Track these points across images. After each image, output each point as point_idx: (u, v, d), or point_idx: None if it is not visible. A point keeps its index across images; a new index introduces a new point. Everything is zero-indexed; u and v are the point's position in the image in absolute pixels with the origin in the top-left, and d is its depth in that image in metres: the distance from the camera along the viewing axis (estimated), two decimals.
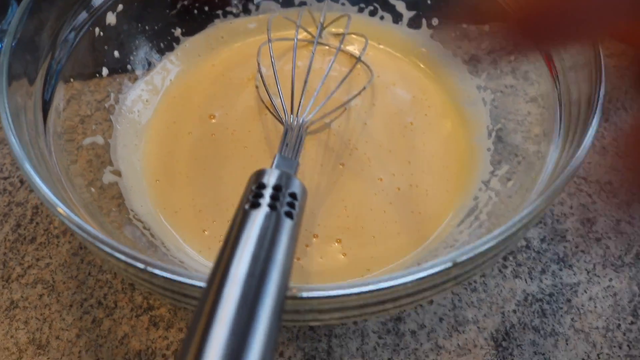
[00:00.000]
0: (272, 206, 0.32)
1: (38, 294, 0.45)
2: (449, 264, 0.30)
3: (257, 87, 0.53)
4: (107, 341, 0.43)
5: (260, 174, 0.35)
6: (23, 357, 0.42)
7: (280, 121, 0.47)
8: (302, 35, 0.57)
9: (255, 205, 0.32)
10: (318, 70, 0.54)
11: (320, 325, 0.43)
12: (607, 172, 0.51)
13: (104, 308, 0.44)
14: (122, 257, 0.30)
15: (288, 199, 0.33)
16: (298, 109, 0.46)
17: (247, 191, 0.34)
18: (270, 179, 0.34)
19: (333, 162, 0.48)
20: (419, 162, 0.48)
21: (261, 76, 0.52)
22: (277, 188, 0.34)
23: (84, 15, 0.46)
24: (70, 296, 0.45)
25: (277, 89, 0.48)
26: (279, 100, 0.48)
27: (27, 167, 0.33)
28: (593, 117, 0.35)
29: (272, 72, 0.50)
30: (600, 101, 0.36)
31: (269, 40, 0.51)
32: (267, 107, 0.51)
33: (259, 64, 0.53)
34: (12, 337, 0.43)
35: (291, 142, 0.42)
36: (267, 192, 0.33)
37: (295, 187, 0.35)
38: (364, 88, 0.52)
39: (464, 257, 0.30)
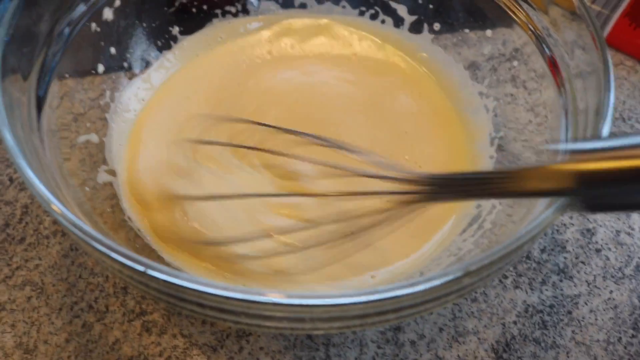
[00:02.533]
0: None
1: (26, 296, 0.44)
2: (460, 273, 0.29)
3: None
4: (98, 346, 0.41)
5: None
6: None
7: None
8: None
9: None
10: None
11: (318, 334, 0.42)
12: None
13: (95, 312, 0.43)
14: (120, 259, 0.29)
15: None
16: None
17: None
18: None
19: (333, 165, 0.47)
20: (419, 166, 0.48)
21: None
22: None
23: (81, 8, 0.45)
24: (60, 299, 0.43)
25: None
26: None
27: (22, 162, 0.32)
28: (603, 126, 0.34)
29: None
30: (610, 109, 0.35)
31: None
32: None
33: None
34: None
35: None
36: None
37: None
38: None
39: (475, 267, 0.29)
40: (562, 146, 0.26)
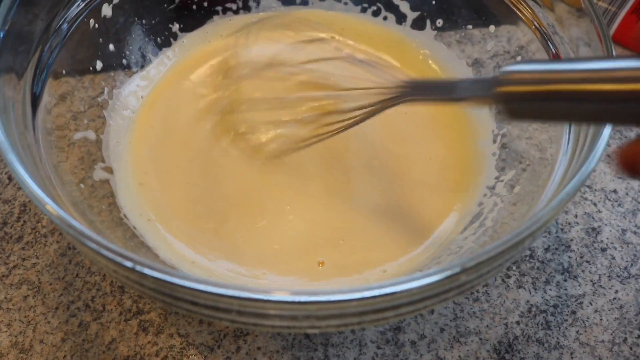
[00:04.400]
0: None
1: (23, 295, 0.43)
2: (457, 269, 0.29)
3: None
4: (94, 346, 0.41)
5: None
6: None
7: None
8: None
9: None
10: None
11: (316, 334, 0.41)
12: (612, 180, 0.50)
13: (92, 311, 0.42)
14: (110, 255, 0.29)
15: None
16: None
17: None
18: None
19: (336, 163, 0.47)
20: (422, 164, 0.47)
21: None
22: None
23: (79, 5, 0.44)
24: (57, 298, 0.43)
25: None
26: None
27: (15, 162, 0.32)
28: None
29: None
30: None
31: None
32: None
33: None
34: None
35: None
36: None
37: None
38: None
39: (473, 263, 0.29)
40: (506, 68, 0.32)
